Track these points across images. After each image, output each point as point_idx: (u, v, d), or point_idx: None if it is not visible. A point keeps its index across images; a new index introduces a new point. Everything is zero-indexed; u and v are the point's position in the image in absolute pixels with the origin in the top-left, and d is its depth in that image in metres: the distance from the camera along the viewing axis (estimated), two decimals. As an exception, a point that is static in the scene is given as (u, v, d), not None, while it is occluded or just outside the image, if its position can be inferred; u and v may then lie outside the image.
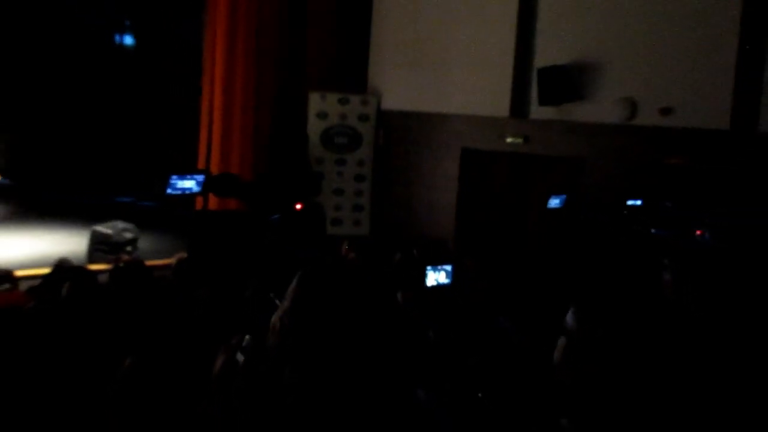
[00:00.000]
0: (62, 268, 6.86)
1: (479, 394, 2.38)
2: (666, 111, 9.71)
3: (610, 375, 1.70)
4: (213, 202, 10.79)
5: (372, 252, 8.15)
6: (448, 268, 4.73)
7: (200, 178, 6.86)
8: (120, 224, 10.07)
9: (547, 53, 10.77)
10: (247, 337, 2.16)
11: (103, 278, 6.75)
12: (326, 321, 1.75)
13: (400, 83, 12.28)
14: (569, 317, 1.80)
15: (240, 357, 2.13)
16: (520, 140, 11.02)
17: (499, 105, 11.18)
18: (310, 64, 12.47)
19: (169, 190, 6.59)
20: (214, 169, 11.16)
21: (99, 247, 9.73)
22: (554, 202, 8.01)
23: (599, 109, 10.30)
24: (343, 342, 1.72)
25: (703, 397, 2.08)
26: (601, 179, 10.11)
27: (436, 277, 4.71)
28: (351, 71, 12.67)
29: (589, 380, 1.72)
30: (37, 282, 6.78)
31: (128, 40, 15.50)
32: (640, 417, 1.71)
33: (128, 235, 9.95)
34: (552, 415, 1.74)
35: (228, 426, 1.90)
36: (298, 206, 8.17)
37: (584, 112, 10.46)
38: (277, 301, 1.77)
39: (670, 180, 9.41)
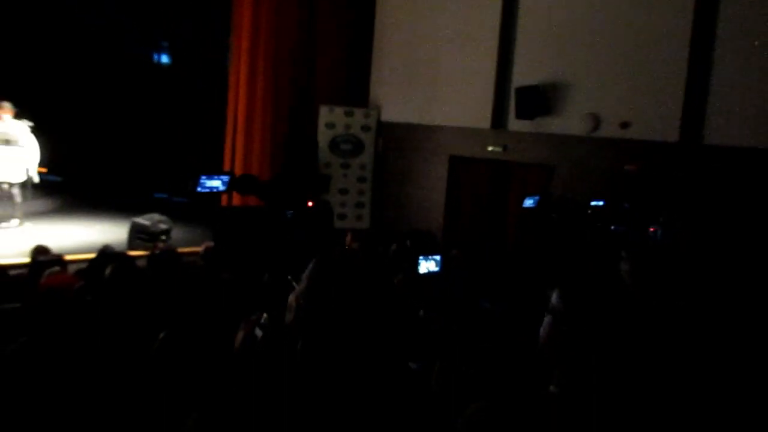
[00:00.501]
0: (105, 253, 6.85)
1: (463, 367, 2.34)
2: (625, 125, 9.72)
3: (590, 349, 1.68)
4: (236, 199, 10.78)
5: (371, 242, 8.14)
6: (438, 257, 4.72)
7: (225, 178, 6.81)
8: (156, 216, 10.04)
9: (523, 74, 10.77)
10: (264, 315, 2.14)
11: (141, 263, 6.73)
12: (335, 301, 1.74)
13: (397, 99, 12.27)
14: (554, 299, 1.78)
15: (258, 332, 2.12)
16: (499, 149, 11.02)
17: (482, 118, 11.17)
18: (320, 82, 12.47)
19: (198, 189, 6.56)
20: (238, 171, 11.15)
21: (138, 236, 9.70)
22: (529, 202, 7.98)
23: (567, 122, 10.30)
24: (348, 319, 1.71)
25: (659, 362, 2.08)
26: (568, 183, 10.13)
27: (427, 265, 4.70)
28: (355, 88, 12.66)
29: (572, 353, 1.70)
30: (83, 265, 6.77)
31: (165, 58, 15.46)
32: (616, 383, 1.70)
33: (163, 226, 9.92)
34: (540, 383, 1.72)
35: (248, 390, 1.88)
36: (310, 203, 8.14)
37: (554, 125, 10.46)
38: (294, 284, 1.75)
39: (628, 184, 9.41)
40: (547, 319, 1.78)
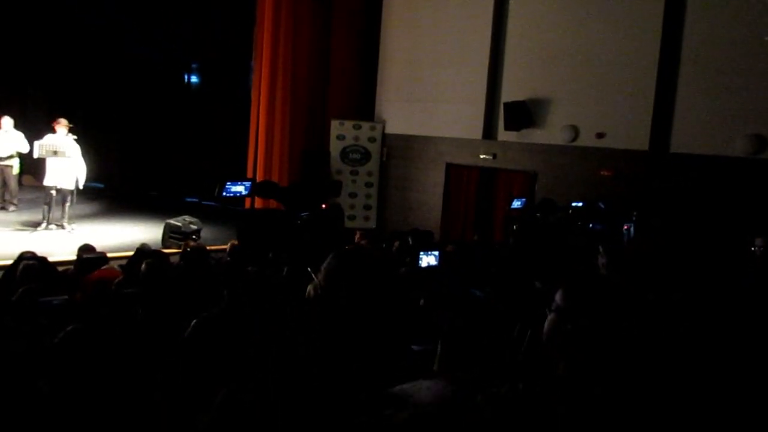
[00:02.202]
0: (143, 251, 6.84)
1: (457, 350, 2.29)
2: (600, 135, 9.71)
3: (595, 345, 1.64)
4: (258, 202, 10.77)
5: (378, 240, 8.14)
6: (437, 253, 4.69)
7: (248, 184, 6.78)
8: (187, 218, 10.03)
9: (510, 91, 10.76)
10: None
11: (174, 259, 6.73)
12: (350, 291, 1.72)
13: (400, 113, 12.26)
14: (558, 297, 1.72)
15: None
16: (489, 157, 11.00)
17: (474, 130, 11.15)
18: (332, 99, 12.49)
19: (224, 193, 6.53)
20: (259, 178, 11.15)
21: (171, 235, 9.69)
22: (516, 204, 7.92)
23: (549, 133, 10.30)
24: (361, 306, 1.70)
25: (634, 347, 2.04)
26: (550, 187, 10.12)
27: (427, 260, 4.67)
28: (363, 104, 12.67)
29: (577, 349, 1.65)
30: (124, 261, 6.76)
31: (194, 78, 15.47)
32: (622, 373, 1.65)
33: (194, 227, 9.91)
34: (545, 373, 1.67)
35: (268, 366, 1.87)
36: (324, 206, 8.11)
37: (538, 135, 10.44)
38: (313, 275, 1.73)
39: (603, 187, 9.40)
40: (551, 316, 1.73)
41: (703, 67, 8.82)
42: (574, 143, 9.99)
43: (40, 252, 6.50)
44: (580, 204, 7.73)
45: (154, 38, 14.35)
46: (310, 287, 1.76)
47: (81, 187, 10.02)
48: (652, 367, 2.11)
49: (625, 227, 5.95)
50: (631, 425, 1.58)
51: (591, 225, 6.13)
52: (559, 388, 1.60)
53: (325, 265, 1.74)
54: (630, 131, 9.37)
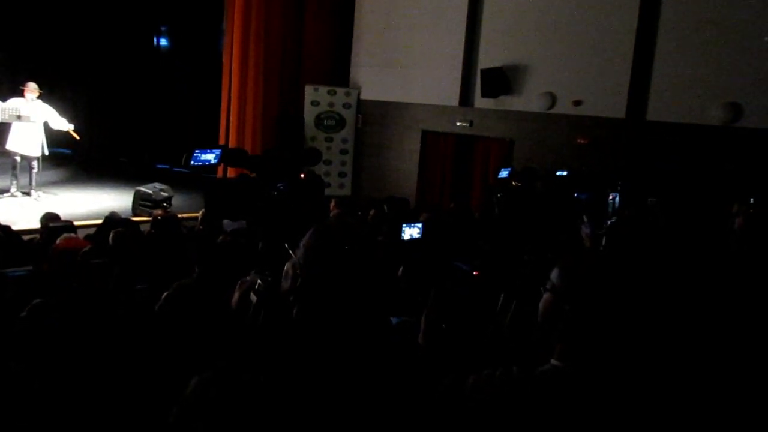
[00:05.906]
0: (112, 219, 6.64)
1: (443, 325, 2.18)
2: (577, 103, 9.64)
3: (595, 326, 1.53)
4: (231, 170, 10.53)
5: (353, 207, 8.00)
6: (420, 225, 4.54)
7: (218, 152, 6.54)
8: (158, 185, 9.82)
9: (487, 57, 10.60)
10: (258, 281, 2.00)
11: (144, 227, 6.53)
12: (334, 269, 1.58)
13: (375, 79, 12.06)
14: (554, 276, 1.60)
15: (253, 297, 1.98)
16: (466, 124, 10.89)
17: (451, 96, 11.01)
18: (307, 64, 12.23)
19: (192, 161, 6.29)
20: (232, 145, 10.91)
21: (141, 203, 9.50)
22: (504, 173, 7.72)
23: (526, 100, 10.20)
24: (345, 286, 1.56)
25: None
26: (527, 154, 10.07)
27: (410, 232, 4.52)
28: (338, 70, 12.43)
29: (575, 330, 1.54)
30: (92, 230, 6.56)
31: (164, 42, 15.00)
32: (625, 357, 1.56)
33: (165, 194, 9.70)
34: (539, 357, 1.56)
35: (245, 354, 1.74)
36: (302, 176, 7.90)
37: (515, 103, 10.35)
38: (291, 252, 1.58)
39: (579, 155, 9.37)
40: (546, 296, 1.61)
41: (680, 34, 8.76)
42: (551, 110, 9.92)
43: (3, 220, 6.26)
44: (565, 173, 7.59)
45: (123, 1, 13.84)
46: (288, 265, 1.61)
47: (47, 152, 9.68)
48: (655, 353, 2.02)
49: (611, 197, 5.83)
50: (633, 416, 1.49)
51: (576, 194, 6.01)
52: (556, 376, 1.51)
53: (304, 241, 1.59)
54: (607, 99, 9.33)
